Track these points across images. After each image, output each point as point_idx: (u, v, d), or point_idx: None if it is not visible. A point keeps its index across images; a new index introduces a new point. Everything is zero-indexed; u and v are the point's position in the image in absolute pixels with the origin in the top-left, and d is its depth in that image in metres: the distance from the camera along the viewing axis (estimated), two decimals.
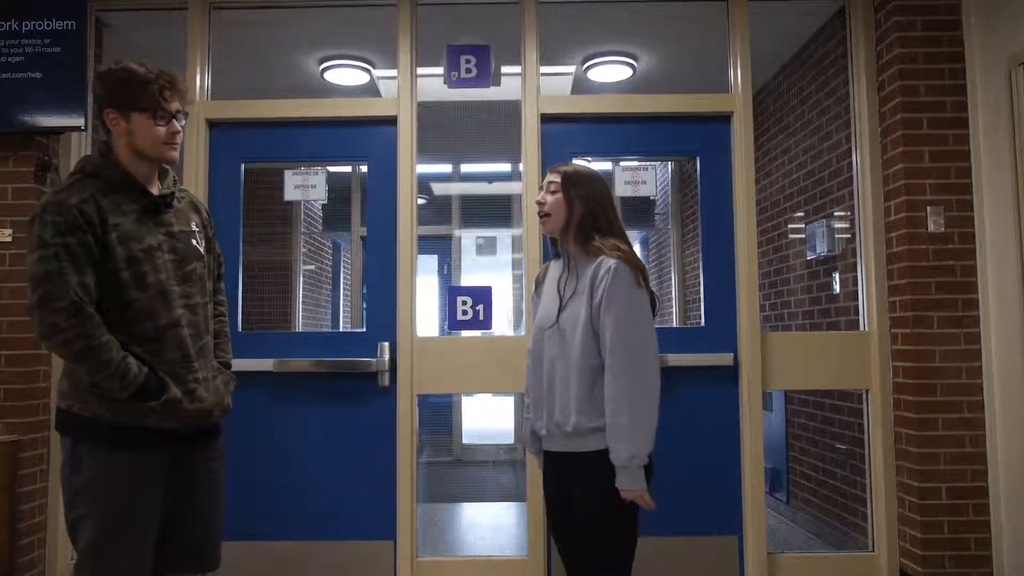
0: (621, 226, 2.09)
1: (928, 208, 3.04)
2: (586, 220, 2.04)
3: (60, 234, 1.72)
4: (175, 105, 1.86)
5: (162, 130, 1.84)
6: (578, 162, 2.21)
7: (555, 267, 2.16)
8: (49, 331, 1.73)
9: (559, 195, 2.06)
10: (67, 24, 3.13)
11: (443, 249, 6.08)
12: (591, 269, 1.99)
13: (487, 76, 3.34)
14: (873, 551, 3.19)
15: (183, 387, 1.86)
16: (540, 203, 2.10)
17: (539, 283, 2.25)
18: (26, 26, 3.12)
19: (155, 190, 1.91)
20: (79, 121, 3.14)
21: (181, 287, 1.90)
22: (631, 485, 1.88)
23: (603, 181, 2.12)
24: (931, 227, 3.04)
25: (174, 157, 1.90)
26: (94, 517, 1.79)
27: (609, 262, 1.96)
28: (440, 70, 3.36)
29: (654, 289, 2.06)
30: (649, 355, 1.93)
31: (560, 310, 2.03)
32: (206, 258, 2.00)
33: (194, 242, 1.95)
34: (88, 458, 1.81)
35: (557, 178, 2.08)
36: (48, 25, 3.13)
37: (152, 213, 1.88)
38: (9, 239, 3.08)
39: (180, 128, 1.88)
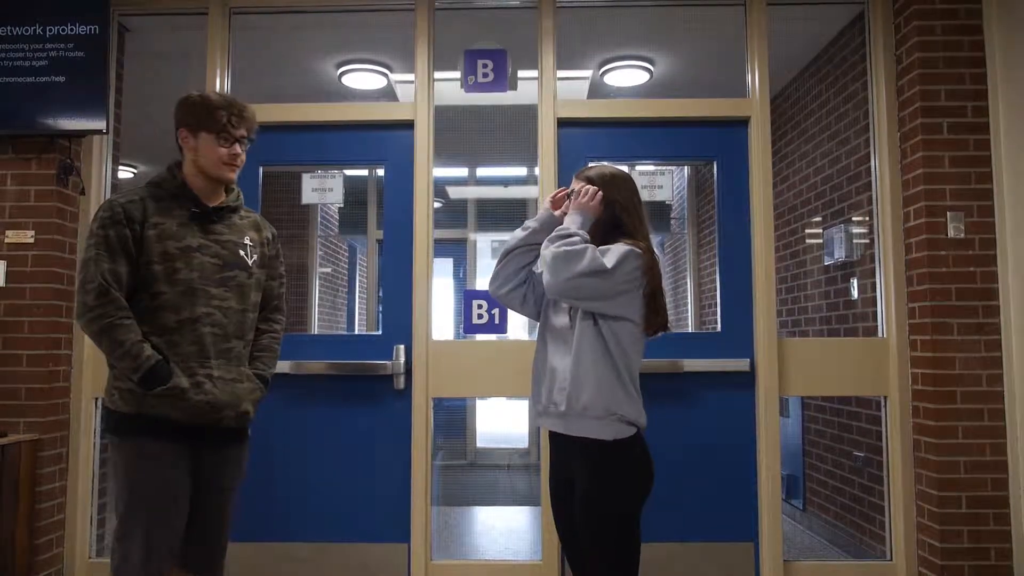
0: (647, 231, 2.07)
1: (948, 214, 3.01)
2: (609, 223, 2.04)
3: (103, 227, 1.96)
4: (240, 132, 2.08)
5: (224, 151, 2.06)
6: (606, 164, 2.19)
7: None
8: (80, 310, 1.94)
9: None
10: (90, 29, 3.17)
11: (459, 252, 6.08)
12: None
13: (504, 80, 3.35)
14: (891, 560, 3.16)
15: (191, 379, 1.97)
16: (576, 191, 2.08)
17: None
18: (50, 31, 3.16)
19: (212, 203, 2.10)
20: (100, 124, 3.17)
21: (217, 289, 2.04)
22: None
23: (630, 182, 2.10)
24: (951, 233, 3.00)
25: (231, 178, 2.11)
26: (123, 500, 1.96)
27: (622, 246, 1.96)
28: (457, 74, 3.37)
29: (668, 296, 2.04)
30: (585, 260, 1.89)
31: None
32: (256, 272, 2.16)
33: (242, 253, 2.12)
34: (115, 448, 2.00)
35: (579, 185, 2.07)
36: (71, 30, 3.17)
37: (201, 220, 2.06)
38: (31, 240, 3.12)
39: (240, 151, 2.09)
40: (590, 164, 2.18)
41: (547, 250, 1.94)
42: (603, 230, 2.05)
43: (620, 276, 1.91)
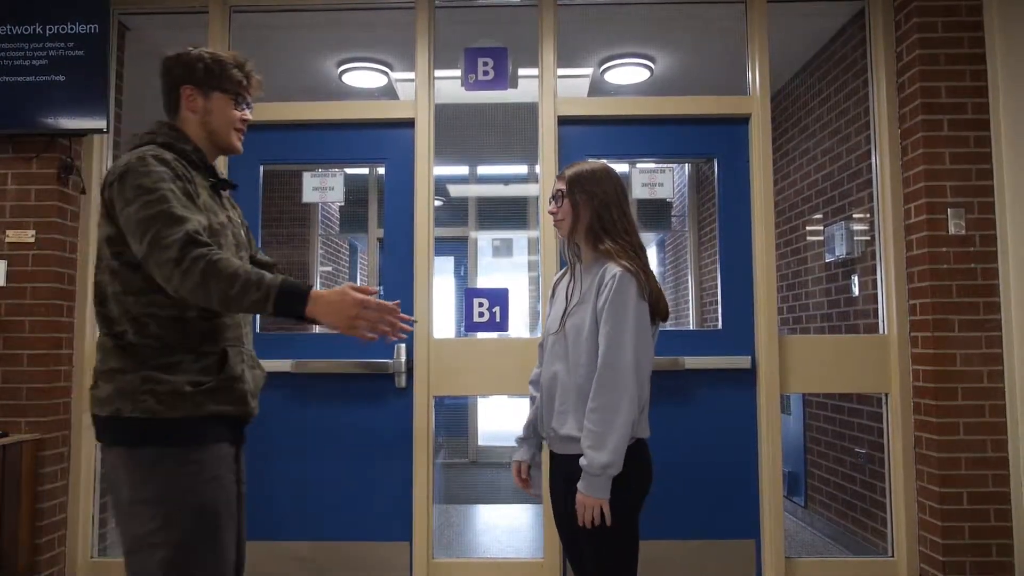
0: (632, 224, 2.03)
1: (949, 210, 3.01)
2: (594, 222, 2.00)
3: (163, 180, 1.61)
4: (256, 94, 1.88)
5: (237, 114, 1.83)
6: (588, 160, 2.17)
7: (569, 274, 2.14)
8: (169, 269, 1.54)
9: (567, 200, 2.03)
10: (90, 27, 3.17)
11: (460, 251, 6.08)
12: (597, 274, 1.95)
13: (504, 78, 3.35)
14: (892, 556, 3.16)
15: (239, 364, 1.74)
16: (552, 212, 2.07)
17: (555, 286, 2.23)
18: (50, 30, 3.16)
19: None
20: (101, 123, 3.17)
21: None
22: (597, 493, 1.85)
23: (612, 176, 2.05)
24: (952, 229, 3.00)
25: (239, 147, 1.88)
26: (174, 528, 1.59)
27: (614, 270, 1.91)
28: (458, 72, 3.37)
29: (669, 294, 2.03)
30: (628, 375, 1.86)
31: (565, 316, 2.00)
32: (250, 253, 1.95)
33: (242, 233, 1.91)
34: (154, 463, 1.61)
35: (563, 185, 2.05)
36: (71, 29, 3.16)
37: (216, 194, 1.83)
38: (32, 239, 3.12)
39: (249, 118, 1.88)
40: (573, 162, 2.14)
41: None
42: (587, 227, 2.01)
43: (639, 315, 1.89)
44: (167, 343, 1.64)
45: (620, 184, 2.06)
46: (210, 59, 1.79)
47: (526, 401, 2.26)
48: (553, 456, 2.09)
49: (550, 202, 2.10)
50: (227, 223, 1.78)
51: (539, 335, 2.17)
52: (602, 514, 1.86)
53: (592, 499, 1.85)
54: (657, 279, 2.02)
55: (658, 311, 1.97)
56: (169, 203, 1.58)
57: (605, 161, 2.17)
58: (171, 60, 1.81)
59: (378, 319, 1.65)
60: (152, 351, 1.63)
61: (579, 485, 1.87)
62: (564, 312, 2.02)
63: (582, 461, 1.86)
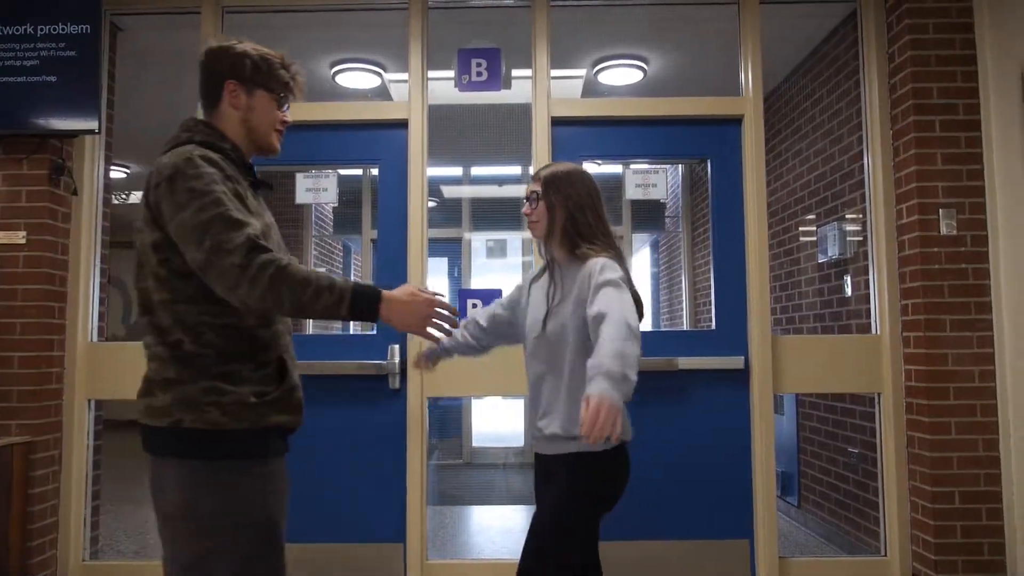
0: (607, 227, 2.01)
1: (940, 211, 3.02)
2: (569, 225, 1.98)
3: (215, 182, 1.54)
4: (297, 97, 1.82)
5: (279, 115, 1.77)
6: (562, 162, 2.13)
7: (547, 276, 2.09)
8: (234, 277, 1.48)
9: (542, 202, 2.01)
10: (82, 28, 3.15)
11: (453, 252, 6.08)
12: (579, 274, 1.92)
13: (498, 79, 3.35)
14: (885, 555, 3.17)
15: (295, 373, 1.70)
16: (527, 214, 2.05)
17: (534, 280, 2.16)
18: (41, 30, 3.15)
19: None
20: (93, 124, 3.16)
21: None
22: (616, 394, 1.58)
23: (586, 179, 2.04)
24: (943, 230, 3.02)
25: (278, 147, 1.81)
26: (239, 543, 1.56)
27: (598, 260, 1.89)
28: (451, 73, 3.37)
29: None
30: (633, 318, 1.77)
31: (547, 318, 1.97)
32: None
33: (277, 236, 1.81)
34: (217, 476, 1.55)
35: (538, 186, 2.03)
36: (63, 29, 3.15)
37: (255, 195, 1.75)
38: (23, 241, 3.10)
39: (289, 120, 1.82)
40: (547, 163, 2.13)
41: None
42: (562, 229, 1.99)
43: (628, 295, 1.85)
44: (224, 352, 1.57)
45: (595, 186, 2.04)
46: (258, 56, 1.73)
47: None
48: (537, 457, 2.08)
49: (524, 203, 2.08)
50: (272, 225, 1.74)
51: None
52: (561, 522, 1.86)
53: (611, 400, 1.57)
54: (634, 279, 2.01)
55: (638, 305, 1.95)
56: (225, 206, 1.52)
57: (579, 163, 2.16)
58: (216, 52, 1.74)
59: (447, 317, 1.67)
60: (211, 360, 1.56)
61: (595, 385, 1.59)
62: (545, 315, 1.98)
63: (607, 368, 1.60)
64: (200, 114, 1.77)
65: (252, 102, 1.73)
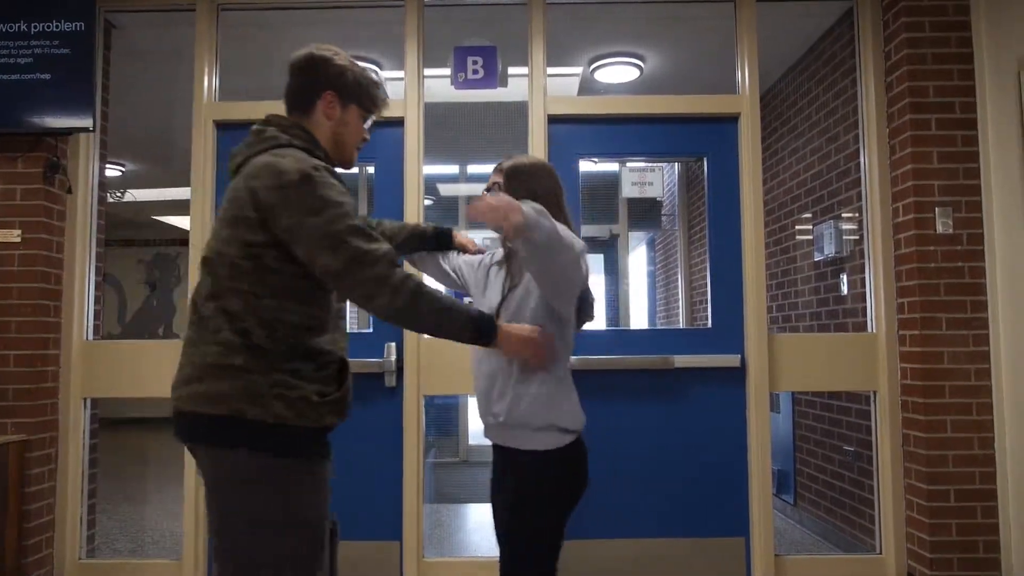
0: (570, 224, 1.97)
1: (937, 209, 3.03)
2: None
3: (345, 195, 1.61)
4: (378, 117, 1.87)
5: (363, 132, 1.83)
6: (526, 155, 2.11)
7: (504, 268, 2.06)
8: (375, 287, 1.56)
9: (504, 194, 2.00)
10: (76, 25, 3.14)
11: None
12: None
13: (494, 77, 3.34)
14: (881, 553, 3.18)
15: (350, 376, 1.74)
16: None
17: (488, 269, 2.12)
18: (35, 28, 3.14)
19: None
20: (87, 122, 3.15)
21: None
22: (527, 207, 1.59)
23: (550, 173, 2.03)
24: (940, 228, 3.02)
25: (355, 163, 1.87)
26: (297, 545, 1.58)
27: None
28: (447, 71, 3.36)
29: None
30: (577, 244, 1.77)
31: (501, 306, 1.94)
32: None
33: None
34: (284, 471, 1.58)
35: (500, 178, 2.01)
36: (57, 27, 3.14)
37: None
38: (18, 239, 3.09)
39: (368, 138, 1.87)
40: (510, 154, 2.10)
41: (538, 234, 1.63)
42: None
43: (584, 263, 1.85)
44: (291, 348, 1.60)
45: (558, 181, 2.04)
46: (358, 72, 1.78)
47: None
48: (495, 448, 2.05)
49: (484, 194, 2.06)
50: None
51: None
52: (526, 523, 1.85)
53: (518, 205, 1.57)
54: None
55: (585, 310, 1.96)
56: (356, 219, 1.59)
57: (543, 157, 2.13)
58: (318, 60, 1.76)
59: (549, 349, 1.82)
60: (279, 355, 1.58)
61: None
62: (500, 303, 1.95)
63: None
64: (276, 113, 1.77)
65: (346, 116, 1.78)
